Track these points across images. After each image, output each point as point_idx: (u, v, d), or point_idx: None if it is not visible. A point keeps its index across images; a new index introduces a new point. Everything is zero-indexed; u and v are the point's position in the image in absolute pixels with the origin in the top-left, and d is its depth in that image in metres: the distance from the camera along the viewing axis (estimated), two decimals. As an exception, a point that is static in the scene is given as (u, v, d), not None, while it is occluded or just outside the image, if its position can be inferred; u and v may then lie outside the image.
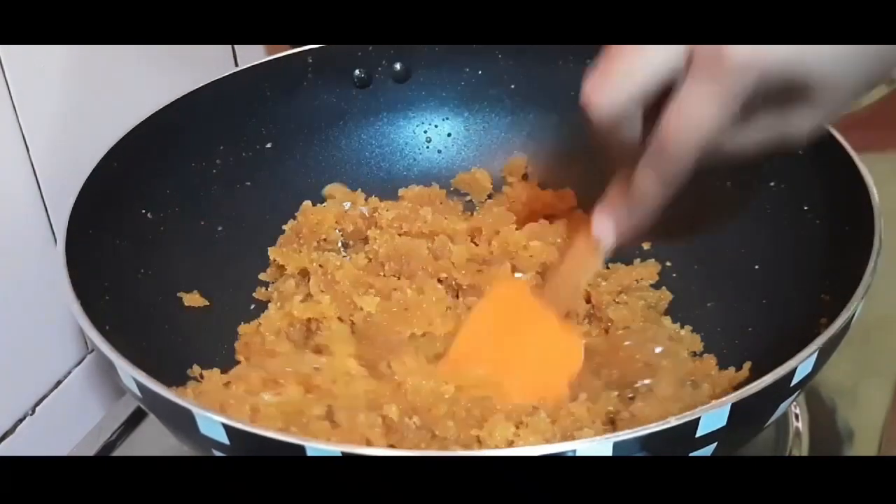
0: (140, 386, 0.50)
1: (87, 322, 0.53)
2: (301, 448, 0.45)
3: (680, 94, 0.44)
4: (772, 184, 0.68)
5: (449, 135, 0.79)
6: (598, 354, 0.60)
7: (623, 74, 0.45)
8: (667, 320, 0.66)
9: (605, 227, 0.51)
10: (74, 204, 0.61)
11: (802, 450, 0.64)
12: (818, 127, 0.46)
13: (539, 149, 0.77)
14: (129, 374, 0.51)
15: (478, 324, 0.61)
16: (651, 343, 0.60)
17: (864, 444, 0.65)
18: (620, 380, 0.58)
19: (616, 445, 0.45)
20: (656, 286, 0.68)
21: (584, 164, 0.75)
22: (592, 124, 0.47)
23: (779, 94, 0.44)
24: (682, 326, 0.65)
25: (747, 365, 0.59)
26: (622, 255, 0.66)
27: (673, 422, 0.45)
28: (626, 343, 0.61)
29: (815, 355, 0.49)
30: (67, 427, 0.70)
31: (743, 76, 0.42)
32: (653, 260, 0.69)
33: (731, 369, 0.59)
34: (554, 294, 0.58)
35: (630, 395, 0.57)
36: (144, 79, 0.75)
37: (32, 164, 0.66)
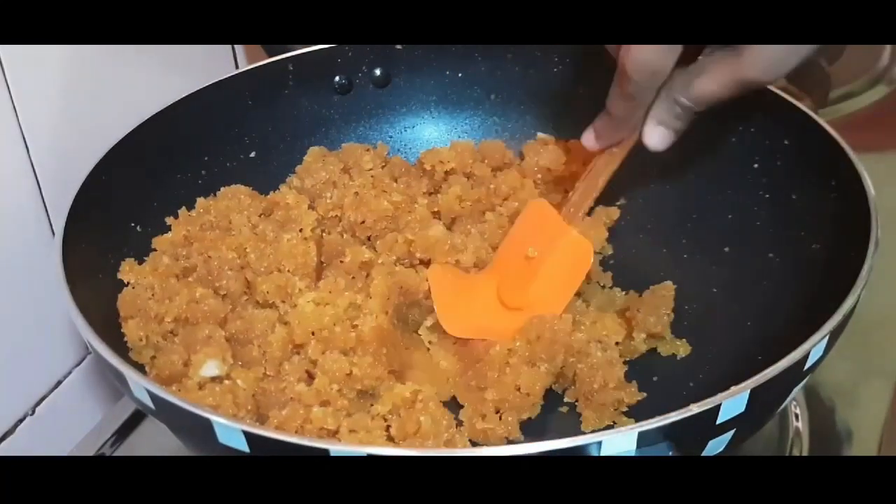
0: (153, 397, 0.50)
1: (95, 336, 0.53)
2: (325, 451, 0.45)
3: None
4: (764, 180, 0.68)
5: (429, 137, 0.79)
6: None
7: None
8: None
9: (589, 135, 0.64)
10: (66, 220, 0.60)
11: (802, 450, 0.64)
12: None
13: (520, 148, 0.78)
14: (142, 385, 0.50)
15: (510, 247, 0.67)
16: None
17: (864, 444, 0.65)
18: None
19: (640, 435, 0.45)
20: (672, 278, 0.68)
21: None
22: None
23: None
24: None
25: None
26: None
27: (695, 409, 0.46)
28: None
29: (827, 339, 0.51)
30: (67, 427, 0.70)
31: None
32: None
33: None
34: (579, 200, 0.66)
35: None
36: (144, 79, 0.75)
37: (33, 165, 0.66)
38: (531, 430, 0.59)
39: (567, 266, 0.65)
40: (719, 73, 0.56)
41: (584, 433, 0.58)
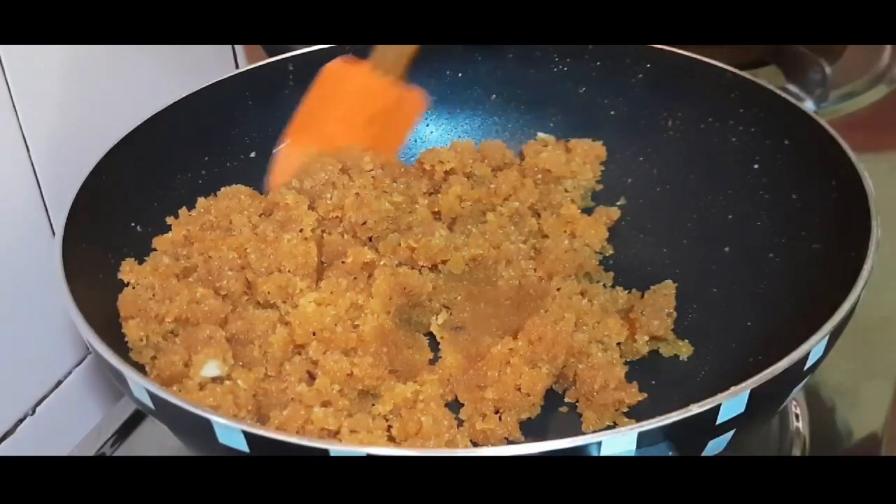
0: (153, 397, 0.50)
1: (95, 336, 0.53)
2: (325, 451, 0.45)
3: None
4: (764, 180, 0.68)
5: (429, 138, 0.79)
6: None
7: None
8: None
9: None
10: (66, 220, 0.60)
11: (803, 450, 0.64)
12: None
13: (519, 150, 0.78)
14: (142, 385, 0.50)
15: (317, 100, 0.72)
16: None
17: (864, 444, 0.65)
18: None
19: (641, 436, 0.46)
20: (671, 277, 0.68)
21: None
22: None
23: None
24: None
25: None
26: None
27: (695, 409, 0.47)
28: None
29: (827, 339, 0.51)
30: (67, 427, 0.70)
31: None
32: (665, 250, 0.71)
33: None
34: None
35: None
36: (144, 79, 0.75)
37: (33, 165, 0.66)
38: (531, 430, 0.59)
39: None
40: None
41: (584, 433, 0.58)
